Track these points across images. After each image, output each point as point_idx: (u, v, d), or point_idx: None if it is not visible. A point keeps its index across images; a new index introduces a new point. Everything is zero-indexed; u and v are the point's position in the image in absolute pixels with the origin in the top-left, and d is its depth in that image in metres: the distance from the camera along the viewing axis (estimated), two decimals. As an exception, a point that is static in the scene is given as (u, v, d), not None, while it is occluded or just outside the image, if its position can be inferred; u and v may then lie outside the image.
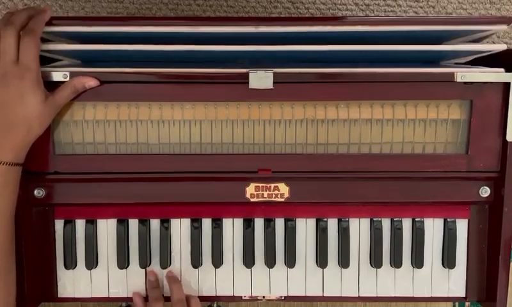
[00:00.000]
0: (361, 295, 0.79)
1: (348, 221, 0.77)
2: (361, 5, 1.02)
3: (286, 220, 0.77)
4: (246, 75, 0.69)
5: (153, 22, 0.70)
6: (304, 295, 0.79)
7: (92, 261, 0.77)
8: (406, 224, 0.78)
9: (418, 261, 0.77)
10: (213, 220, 0.77)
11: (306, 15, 1.02)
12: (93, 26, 0.68)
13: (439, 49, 0.71)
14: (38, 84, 0.65)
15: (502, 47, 0.69)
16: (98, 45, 0.69)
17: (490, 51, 0.70)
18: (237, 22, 0.69)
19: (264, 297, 0.79)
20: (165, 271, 0.78)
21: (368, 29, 0.68)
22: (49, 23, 0.68)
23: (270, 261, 0.77)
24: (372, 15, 1.02)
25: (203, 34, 0.69)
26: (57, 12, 1.00)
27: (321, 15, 1.01)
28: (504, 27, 0.68)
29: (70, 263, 0.77)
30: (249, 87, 0.70)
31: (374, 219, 0.77)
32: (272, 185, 0.74)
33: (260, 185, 0.74)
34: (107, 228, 0.77)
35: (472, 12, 1.02)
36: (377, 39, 0.69)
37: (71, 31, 0.70)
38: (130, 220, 0.77)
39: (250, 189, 0.75)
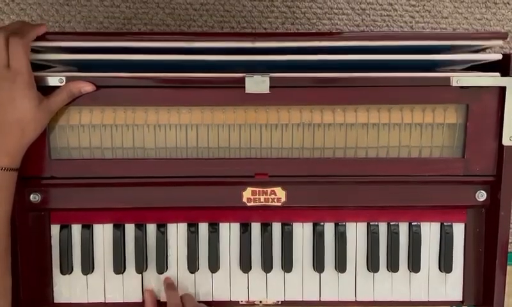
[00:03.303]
0: (358, 299, 0.79)
1: (345, 225, 0.77)
2: (358, 9, 1.02)
3: (283, 225, 0.77)
4: (243, 80, 0.69)
5: (150, 37, 0.71)
6: (301, 299, 0.78)
7: (88, 266, 0.77)
8: (403, 228, 0.78)
9: (415, 265, 0.77)
10: (210, 225, 0.77)
11: (303, 20, 1.02)
12: (88, 42, 0.69)
13: (436, 58, 0.71)
14: (30, 88, 0.65)
15: (497, 56, 0.69)
16: (93, 55, 0.69)
17: (486, 60, 0.71)
18: (234, 38, 0.70)
19: (260, 301, 0.79)
20: (162, 276, 0.77)
21: (365, 44, 0.69)
22: (43, 38, 0.68)
23: (267, 266, 0.77)
24: (369, 18, 1.03)
25: (200, 48, 0.69)
26: (54, 16, 1.00)
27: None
28: (499, 42, 0.68)
29: (66, 268, 0.77)
30: (246, 91, 0.70)
31: (371, 223, 0.77)
32: (269, 190, 0.74)
33: (257, 189, 0.74)
34: (103, 233, 0.77)
35: (468, 16, 1.03)
36: (374, 50, 0.69)
37: (66, 46, 0.70)
38: (126, 225, 0.77)
39: (247, 193, 0.74)
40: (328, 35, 0.77)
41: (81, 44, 0.69)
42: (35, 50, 0.69)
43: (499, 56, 0.69)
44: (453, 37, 0.71)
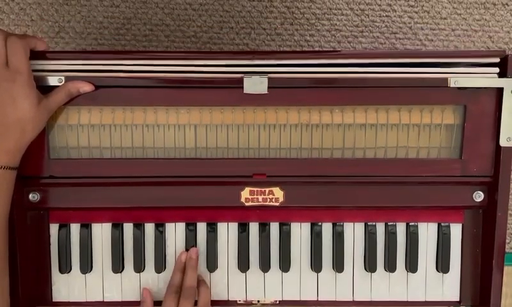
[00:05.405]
0: (355, 299, 0.79)
1: (343, 225, 0.78)
2: (357, 10, 1.02)
3: (281, 225, 0.78)
4: (241, 80, 0.70)
5: (150, 55, 0.72)
6: (298, 299, 0.79)
7: (87, 266, 0.77)
8: (400, 228, 0.78)
9: (412, 265, 0.77)
10: (208, 225, 0.78)
11: (302, 20, 1.02)
12: (88, 59, 0.70)
13: (434, 71, 0.72)
14: (30, 87, 0.65)
15: (495, 70, 0.70)
16: (92, 66, 0.70)
17: (484, 73, 0.71)
18: (232, 55, 0.71)
19: (258, 301, 0.79)
20: (160, 275, 0.78)
21: (364, 62, 0.69)
22: (43, 57, 0.69)
23: (265, 266, 0.77)
24: (368, 19, 1.03)
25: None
26: (54, 16, 1.00)
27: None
28: (497, 59, 0.70)
29: (65, 267, 0.77)
30: (244, 92, 0.70)
31: (369, 223, 0.78)
32: (267, 190, 0.75)
33: (255, 189, 0.75)
34: (101, 232, 0.77)
35: (467, 17, 1.03)
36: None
37: (64, 64, 0.70)
38: (125, 224, 0.77)
39: (245, 194, 0.75)
40: (328, 53, 0.77)
41: (82, 62, 0.70)
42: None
43: (496, 70, 0.70)
44: (451, 55, 0.72)
